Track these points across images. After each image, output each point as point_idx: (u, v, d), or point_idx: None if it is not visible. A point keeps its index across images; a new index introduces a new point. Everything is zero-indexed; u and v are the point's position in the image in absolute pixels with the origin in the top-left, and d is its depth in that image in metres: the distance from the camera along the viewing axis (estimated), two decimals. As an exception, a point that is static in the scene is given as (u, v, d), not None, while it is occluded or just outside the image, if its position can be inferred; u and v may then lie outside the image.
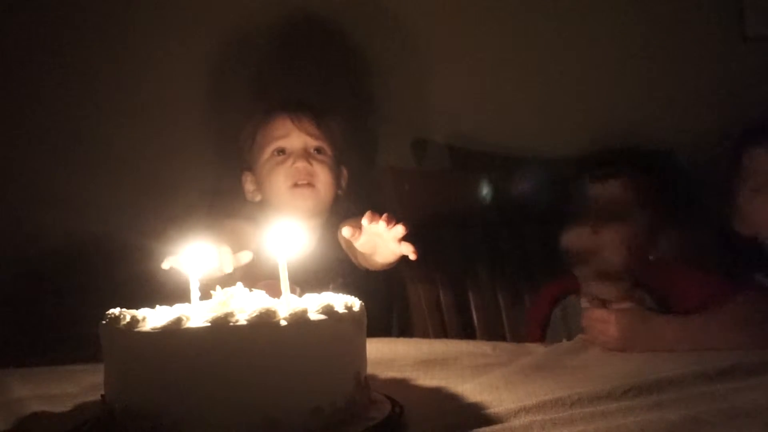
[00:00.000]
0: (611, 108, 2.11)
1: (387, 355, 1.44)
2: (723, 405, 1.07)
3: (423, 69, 2.16)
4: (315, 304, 1.07)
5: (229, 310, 1.02)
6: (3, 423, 1.15)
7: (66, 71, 2.13)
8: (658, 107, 2.10)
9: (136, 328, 1.02)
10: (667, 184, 1.83)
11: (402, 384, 1.28)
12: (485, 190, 2.04)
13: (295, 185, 1.83)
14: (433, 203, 1.98)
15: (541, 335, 1.82)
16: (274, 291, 1.14)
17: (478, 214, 2.02)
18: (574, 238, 1.79)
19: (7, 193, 2.10)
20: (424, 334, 1.89)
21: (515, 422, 1.05)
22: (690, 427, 1.00)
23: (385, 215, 1.41)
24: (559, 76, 2.14)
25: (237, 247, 1.50)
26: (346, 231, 1.47)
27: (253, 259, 1.54)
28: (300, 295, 1.20)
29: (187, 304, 1.12)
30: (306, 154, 1.84)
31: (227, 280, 1.18)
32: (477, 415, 1.09)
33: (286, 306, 1.07)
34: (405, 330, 1.95)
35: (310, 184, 1.83)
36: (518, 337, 1.87)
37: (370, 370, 1.14)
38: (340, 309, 1.07)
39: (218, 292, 1.11)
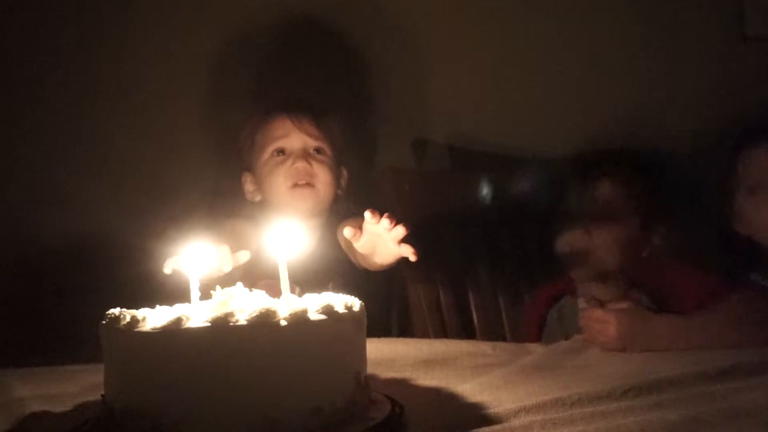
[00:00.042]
0: (611, 108, 2.11)
1: (387, 355, 1.44)
2: (723, 405, 1.07)
3: (423, 69, 2.16)
4: (315, 304, 1.07)
5: (229, 310, 1.02)
6: (3, 423, 1.15)
7: (66, 71, 2.13)
8: (658, 107, 2.10)
9: (136, 328, 1.02)
10: (659, 183, 1.83)
11: (402, 384, 1.28)
12: (485, 190, 2.04)
13: (295, 185, 1.83)
14: (433, 203, 1.98)
15: (537, 336, 1.82)
16: (274, 291, 1.14)
17: (478, 214, 2.02)
18: (568, 238, 1.79)
19: (7, 193, 2.10)
20: (424, 334, 1.89)
21: (515, 422, 1.05)
22: (690, 427, 1.00)
23: (386, 215, 1.41)
24: (559, 76, 2.14)
25: (237, 246, 1.50)
26: (347, 231, 1.47)
27: (252, 258, 1.54)
28: (300, 295, 1.20)
29: (187, 304, 1.12)
30: (306, 155, 1.84)
31: (227, 280, 1.18)
32: (477, 415, 1.09)
33: (286, 306, 1.07)
34: (405, 330, 1.95)
35: (309, 184, 1.83)
36: (518, 337, 1.87)
37: (370, 370, 1.14)
38: (340, 309, 1.07)
39: (218, 292, 1.11)
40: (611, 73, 2.13)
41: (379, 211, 1.44)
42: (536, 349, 1.51)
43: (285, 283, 1.11)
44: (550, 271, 1.90)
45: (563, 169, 1.95)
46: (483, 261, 2.01)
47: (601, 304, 1.66)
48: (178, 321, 1.01)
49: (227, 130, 2.03)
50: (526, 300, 1.97)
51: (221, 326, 0.99)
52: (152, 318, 1.05)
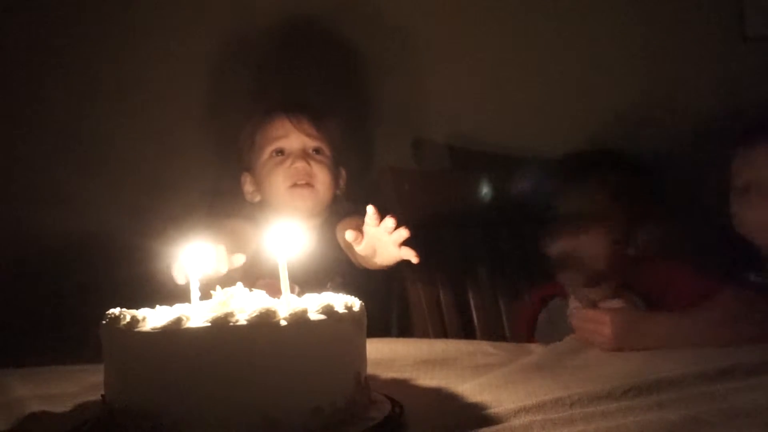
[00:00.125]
0: (611, 108, 2.10)
1: (387, 355, 1.44)
2: (723, 405, 1.07)
3: (423, 69, 2.16)
4: (315, 304, 1.07)
5: (229, 310, 1.02)
6: (3, 423, 1.15)
7: (66, 71, 2.13)
8: (658, 107, 2.10)
9: (136, 328, 1.02)
10: (646, 183, 1.84)
11: (402, 384, 1.28)
12: (485, 190, 2.04)
13: (294, 185, 1.83)
14: (433, 203, 1.98)
15: (529, 339, 1.82)
16: (273, 290, 1.14)
17: (478, 214, 2.02)
18: (556, 239, 1.79)
19: (7, 193, 2.10)
20: (424, 334, 1.89)
21: (515, 422, 1.05)
22: (690, 427, 1.00)
23: (388, 217, 1.41)
24: (559, 76, 2.14)
25: (236, 246, 1.50)
26: (349, 235, 1.47)
27: (252, 258, 1.54)
28: (299, 295, 1.20)
29: (187, 304, 1.12)
30: (305, 155, 1.84)
31: (227, 280, 1.18)
32: (477, 415, 1.09)
33: (286, 306, 1.07)
34: (405, 330, 1.95)
35: (308, 185, 1.84)
36: (518, 337, 1.87)
37: (370, 370, 1.14)
38: (340, 309, 1.07)
39: (218, 292, 1.11)
40: (611, 73, 2.13)
41: (380, 211, 1.44)
42: (536, 349, 1.51)
43: (285, 283, 1.11)
44: (549, 271, 1.90)
45: (556, 170, 1.95)
46: (483, 261, 2.01)
47: (594, 303, 1.66)
48: (178, 321, 1.01)
49: (227, 130, 2.03)
50: (516, 303, 1.97)
51: (221, 326, 0.99)
52: (152, 318, 1.05)
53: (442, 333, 1.91)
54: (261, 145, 1.87)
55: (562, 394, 1.12)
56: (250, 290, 1.12)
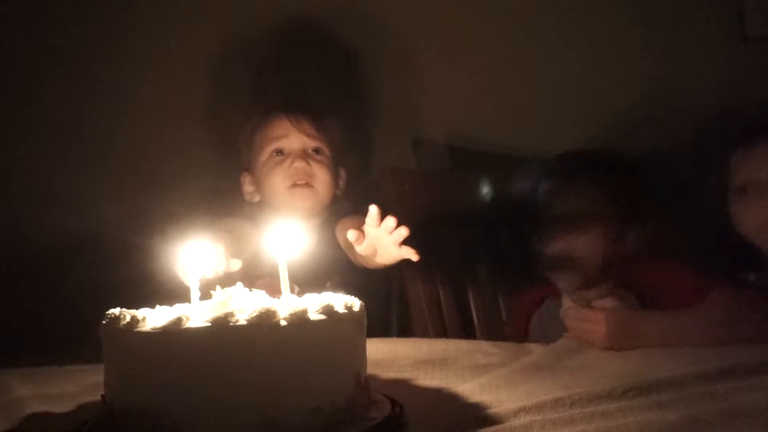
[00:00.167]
0: (611, 108, 2.11)
1: (387, 355, 1.43)
2: (723, 405, 1.07)
3: (423, 69, 2.16)
4: (315, 304, 1.07)
5: (229, 310, 1.02)
6: (3, 423, 1.15)
7: (66, 71, 2.13)
8: (658, 107, 2.10)
9: (136, 328, 1.02)
10: (638, 183, 1.84)
11: (402, 384, 1.28)
12: (485, 190, 2.04)
13: (294, 185, 1.83)
14: (433, 203, 1.98)
15: (523, 341, 1.82)
16: (272, 290, 1.14)
17: (478, 214, 2.02)
18: (551, 239, 1.80)
19: (7, 193, 2.10)
20: (424, 334, 1.89)
21: (515, 422, 1.05)
22: (690, 427, 0.99)
23: (389, 217, 1.41)
24: (559, 76, 2.14)
25: (235, 246, 1.50)
26: (350, 235, 1.47)
27: (252, 258, 1.54)
28: (299, 295, 1.20)
29: (187, 304, 1.12)
30: (304, 155, 1.85)
31: (227, 280, 1.18)
32: (477, 415, 1.09)
33: (286, 306, 1.07)
34: (405, 330, 1.95)
35: (308, 185, 1.84)
36: (514, 339, 1.87)
37: (370, 370, 1.14)
38: (340, 309, 1.07)
39: (218, 292, 1.11)
40: (611, 73, 2.13)
41: (380, 210, 1.44)
42: (536, 349, 1.51)
43: (285, 283, 1.11)
44: (544, 271, 1.90)
45: (551, 170, 1.94)
46: (483, 261, 2.01)
47: (588, 303, 1.66)
48: (178, 321, 1.01)
49: (227, 130, 2.03)
50: (509, 306, 1.97)
51: (221, 326, 0.99)
52: (152, 318, 1.05)
53: (442, 333, 1.91)
54: (261, 145, 1.87)
55: (562, 394, 1.12)
56: (250, 290, 1.12)
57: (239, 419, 0.97)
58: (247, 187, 1.92)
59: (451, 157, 2.15)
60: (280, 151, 1.86)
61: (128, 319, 1.04)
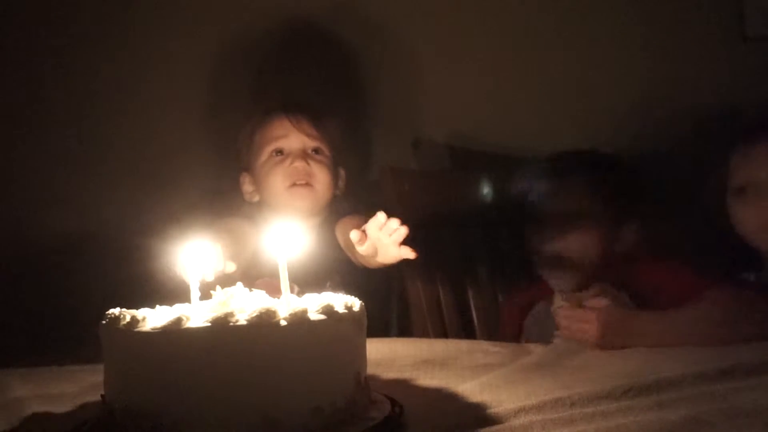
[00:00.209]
0: (611, 108, 2.11)
1: (387, 355, 1.43)
2: (723, 405, 1.07)
3: (423, 69, 2.16)
4: (315, 304, 1.07)
5: (229, 310, 1.02)
6: (3, 423, 1.15)
7: (66, 71, 2.13)
8: (658, 107, 2.10)
9: (136, 328, 1.02)
10: (629, 183, 1.84)
11: (402, 384, 1.28)
12: (485, 190, 2.04)
13: (293, 185, 1.83)
14: (433, 203, 1.98)
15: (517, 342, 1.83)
16: (273, 290, 1.14)
17: (478, 214, 2.02)
18: (544, 239, 1.80)
19: (7, 193, 2.11)
20: (424, 334, 1.89)
21: (515, 422, 1.05)
22: (690, 427, 0.99)
23: (393, 220, 1.42)
24: (559, 76, 2.14)
25: (236, 246, 1.49)
26: (354, 236, 1.47)
27: (252, 258, 1.53)
28: (298, 294, 1.20)
29: (187, 304, 1.12)
30: (304, 155, 1.85)
31: (227, 280, 1.18)
32: (477, 415, 1.09)
33: (286, 306, 1.07)
34: (405, 330, 1.95)
35: (308, 184, 1.84)
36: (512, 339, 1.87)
37: (370, 370, 1.14)
38: (340, 309, 1.07)
39: (218, 292, 1.11)
40: (611, 73, 2.13)
41: (379, 211, 1.44)
42: (536, 349, 1.51)
43: (285, 283, 1.11)
44: (536, 271, 1.90)
45: (543, 169, 1.94)
46: (483, 261, 2.01)
47: (580, 302, 1.67)
48: (178, 321, 1.01)
49: (227, 130, 2.03)
50: (501, 310, 1.97)
51: (221, 326, 0.99)
52: (152, 318, 1.05)
53: (442, 333, 1.91)
54: (260, 145, 1.87)
55: (562, 394, 1.12)
56: (250, 290, 1.12)
57: (239, 419, 0.97)
58: (247, 187, 1.92)
59: (451, 157, 2.15)
60: (279, 151, 1.86)
61: (128, 319, 1.04)
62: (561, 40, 2.15)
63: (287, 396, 0.99)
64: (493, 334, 1.91)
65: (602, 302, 1.65)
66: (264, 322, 1.00)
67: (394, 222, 1.42)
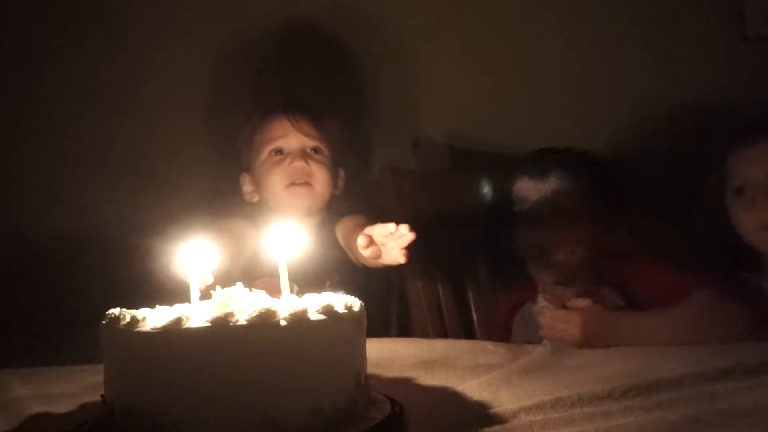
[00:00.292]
0: (611, 108, 2.11)
1: (387, 355, 1.43)
2: (723, 405, 1.07)
3: (423, 69, 2.16)
4: (315, 304, 1.07)
5: (229, 310, 1.02)
6: (3, 423, 1.15)
7: (66, 71, 2.13)
8: (658, 107, 2.10)
9: (136, 328, 1.02)
10: (615, 181, 1.84)
11: (402, 384, 1.28)
12: (485, 190, 2.04)
13: (293, 184, 1.84)
14: (433, 203, 1.98)
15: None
16: (273, 289, 1.14)
17: (478, 214, 2.02)
18: (526, 238, 1.80)
19: (7, 193, 2.10)
20: (424, 334, 1.88)
21: (515, 422, 1.05)
22: (690, 427, 0.99)
23: (402, 226, 1.42)
24: (559, 76, 2.14)
25: (235, 246, 1.50)
26: (361, 241, 1.48)
27: (251, 258, 1.53)
28: (298, 294, 1.20)
29: (187, 304, 1.12)
30: (303, 154, 1.85)
31: (227, 280, 1.18)
32: (477, 415, 1.09)
33: (286, 306, 1.07)
34: (405, 330, 1.95)
35: (307, 184, 1.84)
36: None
37: (370, 370, 1.14)
38: (340, 309, 1.07)
39: (218, 292, 1.11)
40: (611, 72, 2.13)
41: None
42: (536, 349, 1.51)
43: (285, 283, 1.11)
44: (522, 271, 1.90)
45: (533, 167, 1.94)
46: (483, 261, 2.01)
47: (562, 302, 1.67)
48: (178, 321, 1.01)
49: (227, 130, 2.03)
50: (490, 313, 1.98)
51: (221, 326, 0.99)
52: (152, 318, 1.05)
53: (442, 333, 1.91)
54: (260, 144, 1.87)
55: (562, 394, 1.12)
56: (250, 290, 1.12)
57: (239, 419, 0.97)
58: (247, 187, 1.92)
59: (451, 157, 2.15)
60: (279, 151, 1.86)
61: (128, 319, 1.04)
62: (561, 40, 2.15)
63: (287, 396, 0.99)
64: (493, 334, 1.91)
65: (584, 302, 1.65)
66: (264, 322, 1.00)
67: (404, 228, 1.42)
